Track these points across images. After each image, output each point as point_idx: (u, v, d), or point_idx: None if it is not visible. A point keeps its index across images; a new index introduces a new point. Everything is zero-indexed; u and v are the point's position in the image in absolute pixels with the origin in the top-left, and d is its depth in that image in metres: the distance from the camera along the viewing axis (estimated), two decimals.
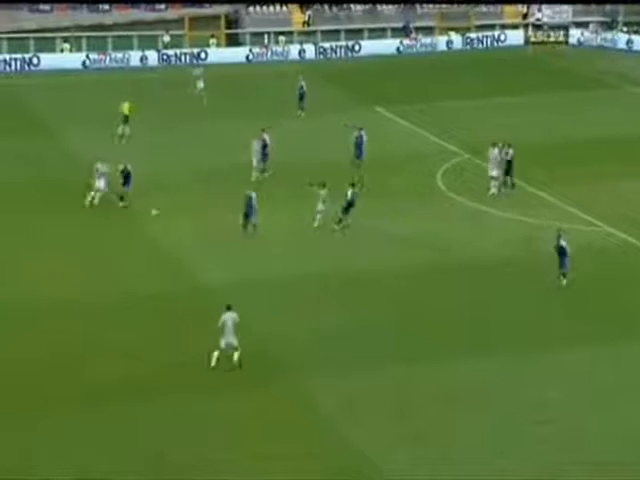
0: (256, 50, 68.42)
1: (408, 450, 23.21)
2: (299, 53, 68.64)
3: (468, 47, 70.25)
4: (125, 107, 48.37)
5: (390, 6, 73.11)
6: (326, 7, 72.93)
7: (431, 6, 73.04)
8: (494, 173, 39.60)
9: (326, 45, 69.40)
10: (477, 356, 27.32)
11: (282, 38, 70.64)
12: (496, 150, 39.78)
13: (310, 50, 68.89)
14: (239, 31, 72.09)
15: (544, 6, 73.42)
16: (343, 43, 69.69)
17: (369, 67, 64.98)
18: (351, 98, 55.78)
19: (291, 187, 39.99)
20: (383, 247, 34.80)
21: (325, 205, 36.08)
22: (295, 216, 37.36)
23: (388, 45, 69.72)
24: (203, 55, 67.17)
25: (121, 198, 38.70)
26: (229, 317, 26.49)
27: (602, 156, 44.43)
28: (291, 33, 71.56)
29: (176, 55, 67.16)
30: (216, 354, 26.28)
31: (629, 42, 68.64)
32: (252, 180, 40.13)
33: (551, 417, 24.39)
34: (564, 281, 31.11)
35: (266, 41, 70.18)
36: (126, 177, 38.83)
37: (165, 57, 67.06)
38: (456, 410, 24.82)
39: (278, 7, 72.58)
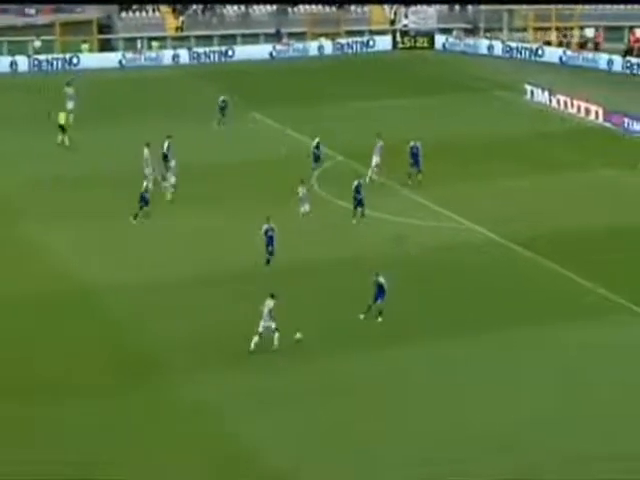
0: (129, 55, 68.01)
1: (292, 441, 23.54)
2: (173, 58, 68.50)
3: (338, 52, 71.27)
4: (61, 117, 47.62)
5: (263, 11, 73.66)
6: (199, 13, 73.01)
7: (302, 12, 73.90)
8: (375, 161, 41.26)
9: (200, 50, 69.46)
10: (348, 352, 27.74)
11: (155, 43, 70.41)
12: (380, 142, 41.32)
13: (184, 55, 68.88)
14: (112, 36, 71.42)
15: (410, 13, 75.06)
16: (217, 48, 69.78)
17: (243, 71, 64.97)
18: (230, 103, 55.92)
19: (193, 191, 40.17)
20: (260, 248, 34.95)
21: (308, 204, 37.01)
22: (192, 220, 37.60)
23: (261, 50, 70.20)
24: (75, 60, 66.30)
25: None
26: (267, 304, 27.75)
27: (476, 156, 45.36)
28: (164, 38, 71.37)
29: (47, 60, 66.12)
30: (255, 339, 27.38)
31: (490, 47, 70.90)
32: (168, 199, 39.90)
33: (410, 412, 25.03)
34: (380, 318, 29.67)
35: (139, 46, 69.84)
36: None
37: (36, 62, 66.04)
38: (341, 402, 25.25)
39: (151, 12, 72.21)
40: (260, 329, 27.77)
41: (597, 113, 53.25)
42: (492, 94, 58.73)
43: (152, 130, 46.32)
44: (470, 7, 75.20)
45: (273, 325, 27.95)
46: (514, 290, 32.15)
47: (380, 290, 29.59)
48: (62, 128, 47.41)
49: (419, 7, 75.23)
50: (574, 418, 24.66)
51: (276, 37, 72.06)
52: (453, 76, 63.72)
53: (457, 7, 75.73)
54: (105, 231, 37.00)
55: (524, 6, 71.85)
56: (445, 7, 75.53)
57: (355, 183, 37.93)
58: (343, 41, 71.88)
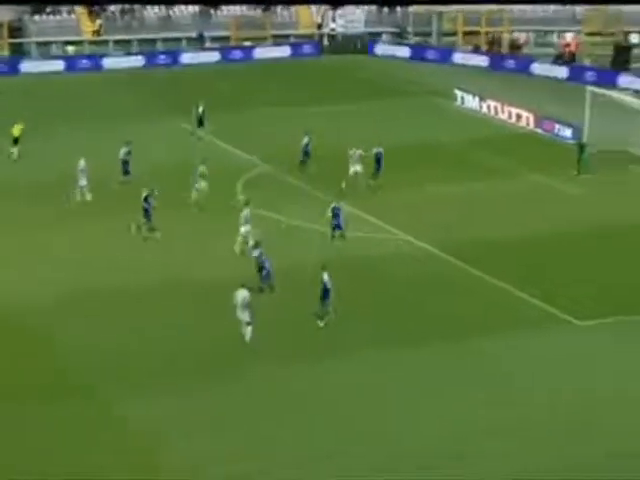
0: (41, 59, 66.07)
1: (223, 467, 23.10)
2: (92, 62, 66.64)
3: (265, 56, 70.21)
4: (16, 129, 46.14)
5: (185, 14, 72.27)
6: (118, 15, 71.24)
7: (226, 14, 72.72)
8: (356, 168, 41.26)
9: (122, 55, 67.74)
10: (282, 365, 27.53)
11: (71, 48, 68.46)
12: (355, 150, 41.44)
13: (106, 60, 67.01)
14: (24, 40, 69.33)
15: (337, 16, 74.36)
16: (137, 54, 68.26)
17: (173, 76, 64.04)
18: (152, 109, 54.67)
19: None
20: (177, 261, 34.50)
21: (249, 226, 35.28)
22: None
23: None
24: None
25: None
26: (239, 294, 28.63)
27: (407, 163, 44.75)
28: (81, 42, 69.50)
29: None
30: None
31: (419, 52, 70.45)
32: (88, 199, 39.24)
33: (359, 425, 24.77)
34: (322, 323, 29.68)
35: (54, 50, 67.87)
36: None
37: None
38: (274, 423, 24.86)
39: (66, 14, 70.27)
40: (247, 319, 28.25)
41: (528, 119, 52.99)
42: (422, 99, 58.57)
43: (74, 138, 45.20)
44: (399, 10, 74.73)
45: (247, 318, 28.19)
46: (448, 301, 31.96)
47: (325, 289, 29.31)
48: (15, 140, 46.01)
49: (347, 10, 74.59)
50: (511, 428, 24.75)
51: (199, 41, 70.67)
52: (382, 81, 63.49)
53: (385, 10, 75.25)
54: (19, 244, 36.04)
55: (454, 9, 71.51)
56: (373, 10, 75.06)
57: (332, 206, 36.38)
58: (269, 45, 70.92)
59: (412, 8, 74.05)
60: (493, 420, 25.17)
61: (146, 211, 36.38)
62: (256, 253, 32.28)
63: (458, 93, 58.02)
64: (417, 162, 44.91)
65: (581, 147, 45.33)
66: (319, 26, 74.64)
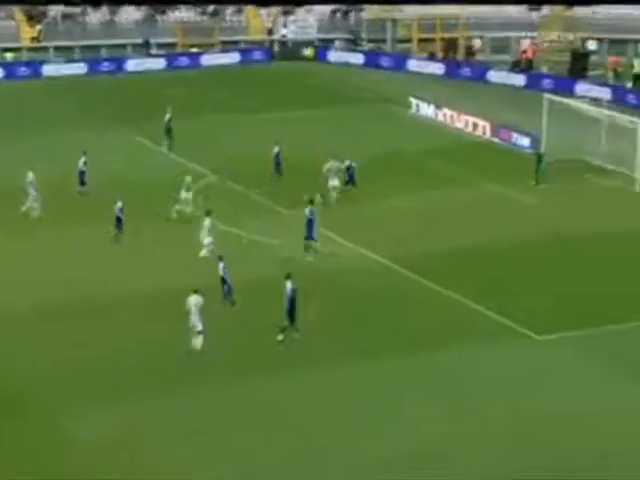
0: None
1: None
2: (32, 69, 66.13)
3: (214, 62, 70.10)
4: None
5: (130, 20, 71.99)
6: (59, 21, 70.78)
7: (172, 20, 72.56)
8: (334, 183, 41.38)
9: (62, 62, 67.28)
10: (233, 383, 27.49)
11: (9, 54, 67.90)
12: (333, 163, 41.42)
13: (46, 67, 66.48)
14: None
15: (289, 22, 74.51)
16: (79, 61, 67.87)
17: (118, 84, 63.85)
18: (97, 117, 54.40)
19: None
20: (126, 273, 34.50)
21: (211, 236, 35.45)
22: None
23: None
24: None
25: None
26: (192, 301, 29.00)
27: (361, 173, 44.33)
28: (20, 49, 68.91)
29: None
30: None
31: (373, 58, 70.79)
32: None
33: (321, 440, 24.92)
34: (281, 336, 29.81)
35: None
36: None
37: None
38: (231, 435, 24.96)
39: (3, 21, 69.63)
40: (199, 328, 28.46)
41: (485, 128, 53.40)
42: (376, 107, 58.83)
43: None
44: (352, 16, 75.05)
45: (200, 326, 28.48)
46: (403, 314, 32.10)
47: (291, 300, 29.59)
48: None
49: (299, 16, 74.77)
50: (466, 440, 24.97)
51: (144, 47, 70.43)
52: (335, 88, 63.76)
53: (338, 16, 75.52)
54: None
55: (411, 15, 71.95)
56: (326, 16, 75.30)
57: (306, 213, 36.33)
58: (218, 51, 70.86)
59: (366, 14, 74.53)
60: (449, 433, 25.33)
61: (119, 220, 37.20)
62: (220, 266, 32.39)
63: (413, 101, 58.35)
64: (372, 172, 44.94)
65: (539, 157, 45.81)
66: (270, 32, 74.76)
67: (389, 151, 49.06)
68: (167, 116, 49.29)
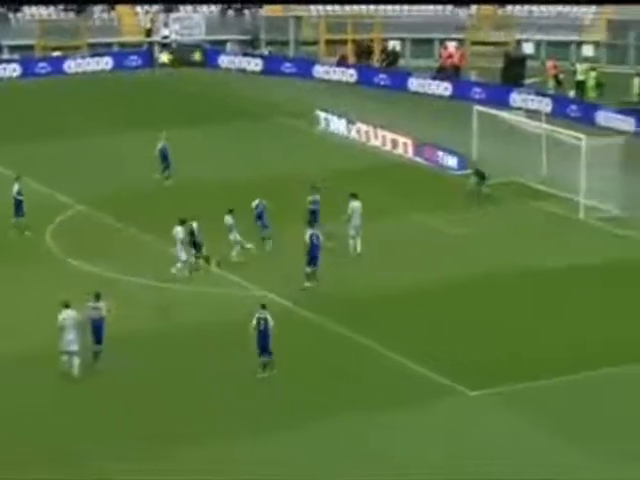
0: None
1: None
2: None
3: (78, 69, 70.06)
4: None
5: None
6: None
7: (29, 19, 72.33)
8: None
9: None
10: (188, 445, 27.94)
11: None
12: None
13: None
14: None
15: (172, 21, 74.88)
16: None
17: None
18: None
19: None
20: None
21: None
22: None
23: None
24: None
25: None
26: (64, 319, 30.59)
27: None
28: None
29: None
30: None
31: (273, 64, 71.52)
32: None
33: None
34: (264, 374, 31.63)
35: None
36: None
37: None
38: None
39: None
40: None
41: (406, 146, 54.31)
42: (278, 122, 59.35)
43: None
44: (247, 15, 75.78)
45: (75, 346, 29.51)
46: (314, 368, 32.54)
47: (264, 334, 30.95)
48: None
49: (183, 14, 75.29)
50: None
51: None
52: (228, 100, 64.09)
53: (231, 14, 76.17)
54: None
55: (318, 13, 72.93)
56: (215, 14, 75.90)
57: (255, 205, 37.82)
58: (85, 55, 70.82)
59: (265, 12, 75.28)
60: None
61: None
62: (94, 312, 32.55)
63: (321, 115, 59.06)
64: (272, 201, 45.11)
65: (480, 177, 46.73)
66: (148, 32, 75.02)
67: (292, 176, 48.99)
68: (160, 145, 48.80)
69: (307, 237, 38.12)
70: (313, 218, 41.04)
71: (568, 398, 30.96)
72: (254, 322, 31.52)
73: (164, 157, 48.21)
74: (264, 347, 31.49)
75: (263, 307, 31.79)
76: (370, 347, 33.64)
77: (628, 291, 38.41)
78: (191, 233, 38.81)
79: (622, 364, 32.63)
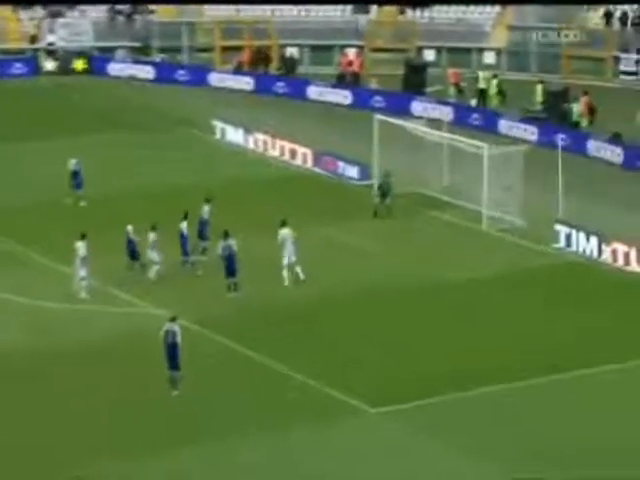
0: None
1: None
2: None
3: None
4: None
5: None
6: None
7: None
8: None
9: None
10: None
11: None
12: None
13: None
14: None
15: (58, 27, 74.90)
16: None
17: None
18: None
19: None
20: None
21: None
22: None
23: None
24: None
25: None
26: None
27: (150, 214, 44.44)
28: None
29: None
30: None
31: (165, 71, 71.99)
32: None
33: None
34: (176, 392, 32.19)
35: None
36: None
37: None
38: None
39: None
40: None
41: (305, 156, 55.25)
42: (170, 133, 59.65)
43: None
44: (138, 20, 76.13)
45: None
46: (215, 386, 33.06)
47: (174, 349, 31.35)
48: None
49: (70, 20, 75.34)
50: None
51: None
52: (117, 109, 64.45)
53: (122, 20, 76.46)
54: None
55: (212, 19, 73.57)
56: (104, 20, 76.03)
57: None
58: None
59: (157, 17, 75.71)
60: None
61: None
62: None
63: (217, 125, 59.76)
64: (160, 218, 44.82)
65: (385, 188, 47.81)
66: (33, 39, 75.03)
67: (182, 189, 49.10)
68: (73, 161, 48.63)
69: (220, 250, 39.11)
70: (203, 230, 42.00)
71: (469, 414, 31.65)
72: (162, 334, 32.09)
73: (75, 176, 47.85)
74: (173, 361, 31.80)
75: (172, 320, 32.30)
76: (269, 365, 34.26)
77: (528, 300, 39.54)
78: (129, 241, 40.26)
79: (526, 378, 33.46)
